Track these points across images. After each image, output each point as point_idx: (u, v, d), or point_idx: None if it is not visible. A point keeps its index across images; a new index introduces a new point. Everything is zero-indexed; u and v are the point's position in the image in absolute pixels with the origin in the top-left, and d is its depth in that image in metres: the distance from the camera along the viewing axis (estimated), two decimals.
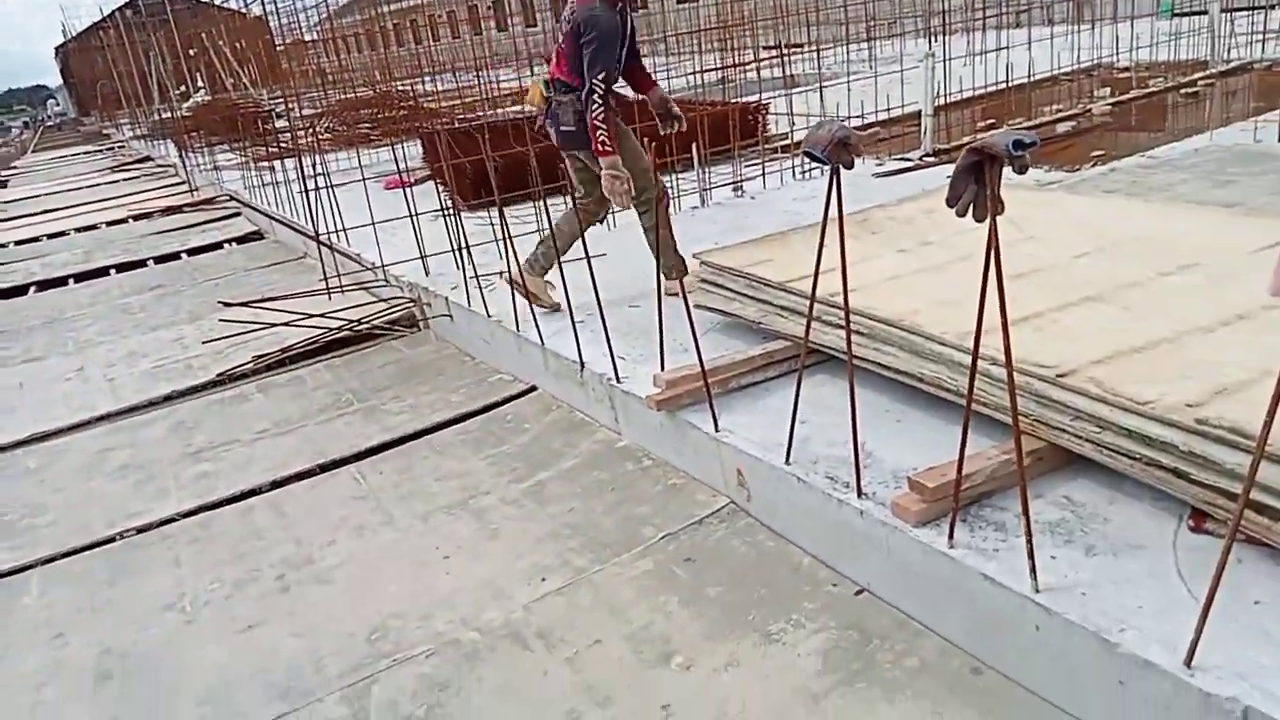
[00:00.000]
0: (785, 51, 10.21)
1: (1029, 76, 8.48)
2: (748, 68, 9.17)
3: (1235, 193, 4.25)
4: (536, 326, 4.08)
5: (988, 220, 1.96)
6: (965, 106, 8.55)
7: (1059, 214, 3.85)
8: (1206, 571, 2.06)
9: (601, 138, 3.86)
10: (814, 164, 2.21)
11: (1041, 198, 4.28)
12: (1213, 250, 3.16)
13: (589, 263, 3.52)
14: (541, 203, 4.35)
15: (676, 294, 3.57)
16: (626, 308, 4.34)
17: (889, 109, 7.47)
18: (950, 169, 1.98)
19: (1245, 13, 9.29)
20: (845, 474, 2.64)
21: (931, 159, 6.84)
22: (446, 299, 5.08)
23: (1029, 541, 2.06)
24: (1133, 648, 1.88)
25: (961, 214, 2.02)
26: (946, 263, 3.42)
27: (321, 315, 5.51)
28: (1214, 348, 2.49)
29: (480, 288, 4.76)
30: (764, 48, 12.98)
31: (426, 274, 5.53)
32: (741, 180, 6.69)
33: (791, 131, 7.25)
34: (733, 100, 7.86)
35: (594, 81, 3.80)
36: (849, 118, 7.12)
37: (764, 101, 8.03)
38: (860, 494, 2.53)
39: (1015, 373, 2.50)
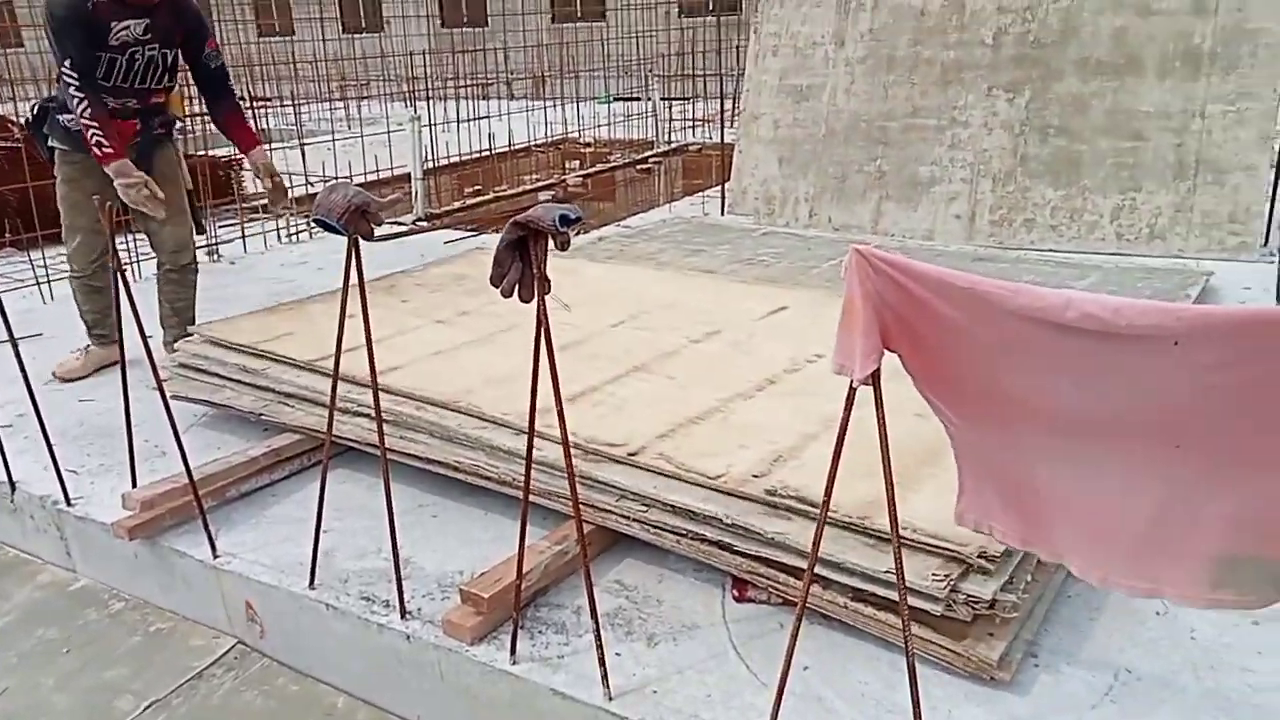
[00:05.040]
0: (254, 105, 9.45)
1: (509, 146, 8.85)
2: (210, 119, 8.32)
3: (706, 260, 4.73)
4: None
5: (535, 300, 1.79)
6: (452, 171, 8.63)
7: (582, 281, 3.89)
8: (757, 642, 2.09)
9: (96, 139, 3.09)
10: (325, 231, 1.83)
11: (564, 264, 4.33)
12: (725, 317, 3.41)
13: (14, 345, 2.69)
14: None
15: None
16: (76, 402, 3.46)
17: (377, 170, 7.23)
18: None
19: (680, 102, 10.79)
20: (383, 590, 2.27)
21: (425, 224, 6.72)
22: None
23: (599, 645, 1.90)
24: None
25: (507, 294, 1.81)
26: (492, 333, 3.24)
27: None
28: (758, 413, 2.60)
29: None
30: None
31: None
32: (217, 243, 5.92)
33: None
34: (200, 153, 6.99)
35: (64, 72, 3.08)
36: (338, 178, 6.71)
37: (237, 156, 7.26)
38: (404, 614, 2.17)
39: (587, 453, 2.38)
